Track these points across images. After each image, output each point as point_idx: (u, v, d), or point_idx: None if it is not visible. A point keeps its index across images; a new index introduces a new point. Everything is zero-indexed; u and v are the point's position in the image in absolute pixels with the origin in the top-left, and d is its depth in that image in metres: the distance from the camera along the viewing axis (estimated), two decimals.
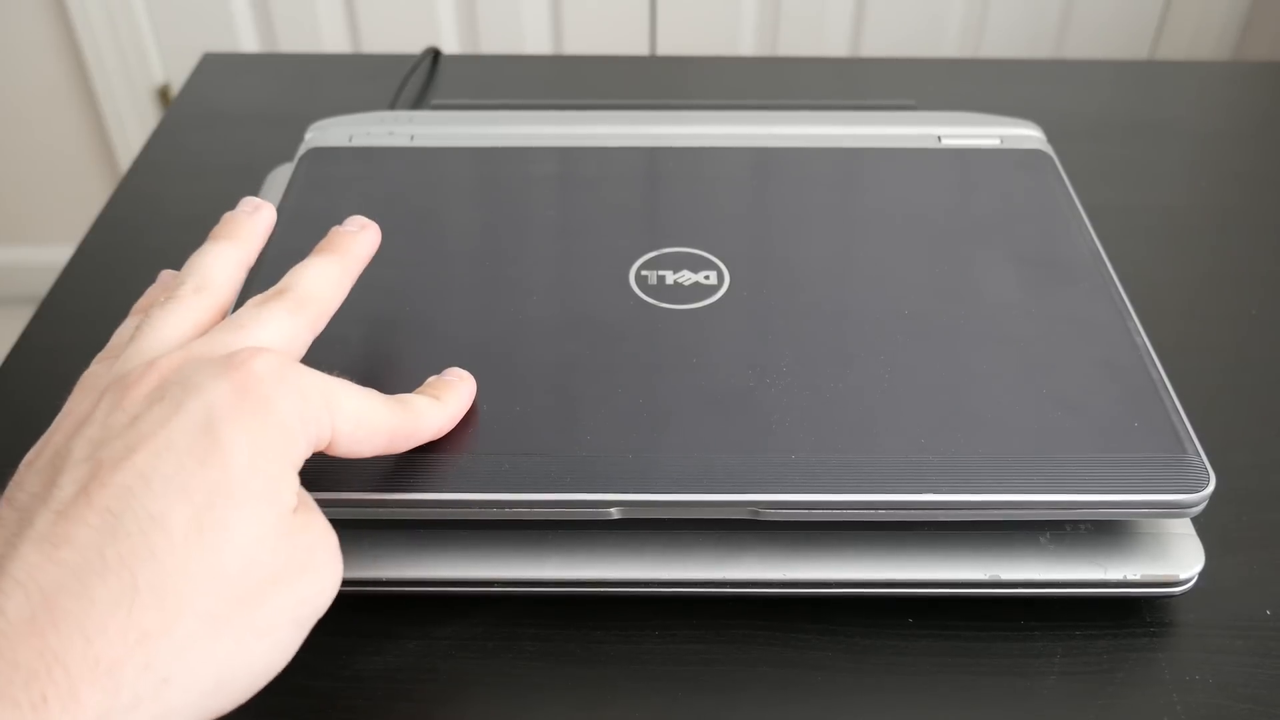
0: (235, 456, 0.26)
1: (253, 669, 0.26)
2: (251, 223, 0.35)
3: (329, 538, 0.28)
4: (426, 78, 0.67)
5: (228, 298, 0.32)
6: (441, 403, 0.33)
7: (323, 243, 0.34)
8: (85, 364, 0.47)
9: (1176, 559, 0.34)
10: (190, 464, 0.25)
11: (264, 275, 0.39)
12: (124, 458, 0.25)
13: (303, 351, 0.31)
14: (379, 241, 0.35)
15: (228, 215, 0.35)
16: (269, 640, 0.26)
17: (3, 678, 0.22)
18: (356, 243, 0.34)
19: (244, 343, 0.29)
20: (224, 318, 0.31)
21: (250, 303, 0.31)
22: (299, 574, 0.27)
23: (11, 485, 0.26)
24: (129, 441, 0.25)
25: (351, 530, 0.34)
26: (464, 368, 0.35)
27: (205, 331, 0.30)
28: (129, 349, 0.29)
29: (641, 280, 0.40)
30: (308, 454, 0.28)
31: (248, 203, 0.35)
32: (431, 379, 0.34)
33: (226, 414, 0.26)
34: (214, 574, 0.25)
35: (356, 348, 0.37)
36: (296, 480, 0.27)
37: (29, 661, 0.22)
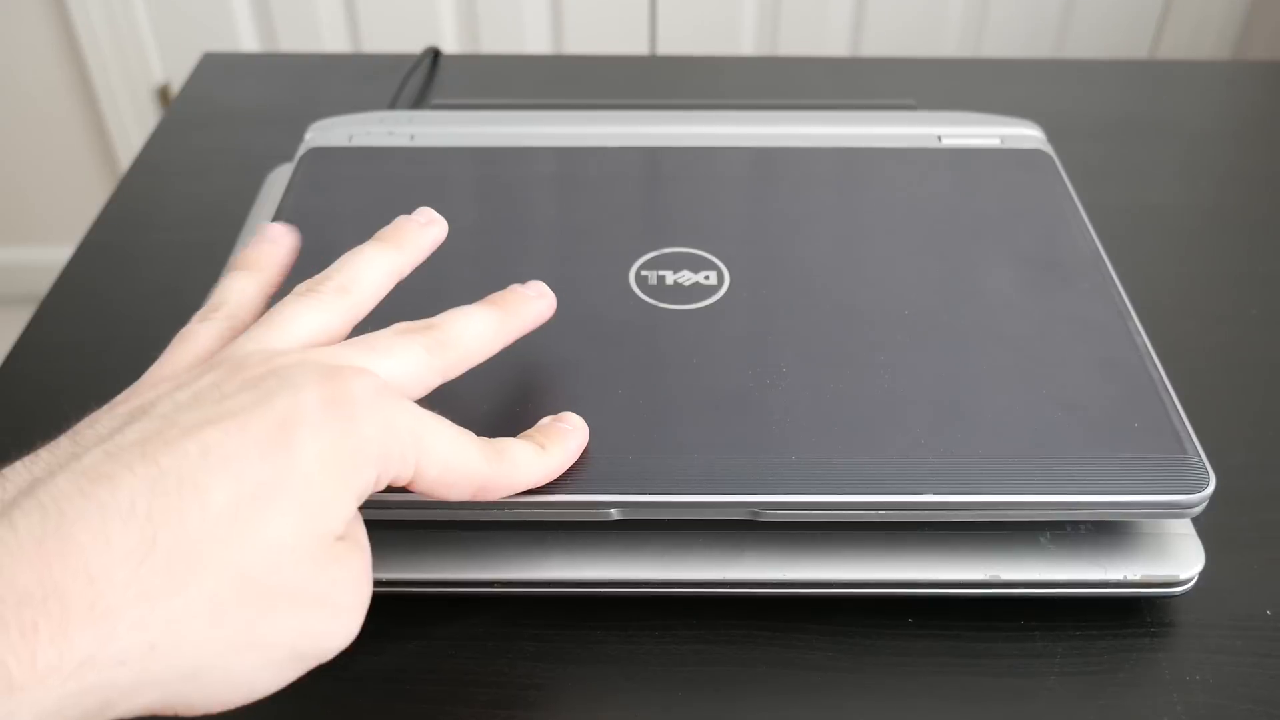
0: (298, 461, 0.25)
1: (232, 677, 0.25)
2: (420, 234, 0.34)
3: (360, 583, 0.27)
4: (426, 78, 0.67)
5: (368, 305, 0.32)
6: (545, 454, 0.32)
7: (497, 295, 0.33)
8: (85, 364, 0.47)
9: (1177, 559, 0.34)
10: (253, 452, 0.25)
11: None
12: (195, 427, 0.25)
13: (423, 393, 0.30)
14: (551, 314, 0.34)
15: (400, 220, 0.34)
16: (259, 656, 0.25)
17: None
18: (527, 308, 0.33)
19: (367, 364, 0.29)
20: (357, 322, 0.31)
21: (394, 327, 0.31)
22: (314, 604, 0.26)
23: (86, 420, 0.26)
24: (208, 414, 0.25)
25: None
26: None
27: (334, 336, 0.30)
28: (253, 334, 0.29)
29: (642, 280, 0.40)
30: (377, 487, 0.27)
31: (423, 213, 0.34)
32: (544, 421, 0.33)
33: (307, 418, 0.26)
34: (231, 562, 0.24)
35: None
36: (353, 509, 0.27)
37: (27, 583, 0.22)
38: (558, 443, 0.32)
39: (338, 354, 0.29)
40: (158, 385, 0.28)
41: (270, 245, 0.34)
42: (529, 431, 0.33)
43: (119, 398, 0.28)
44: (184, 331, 0.30)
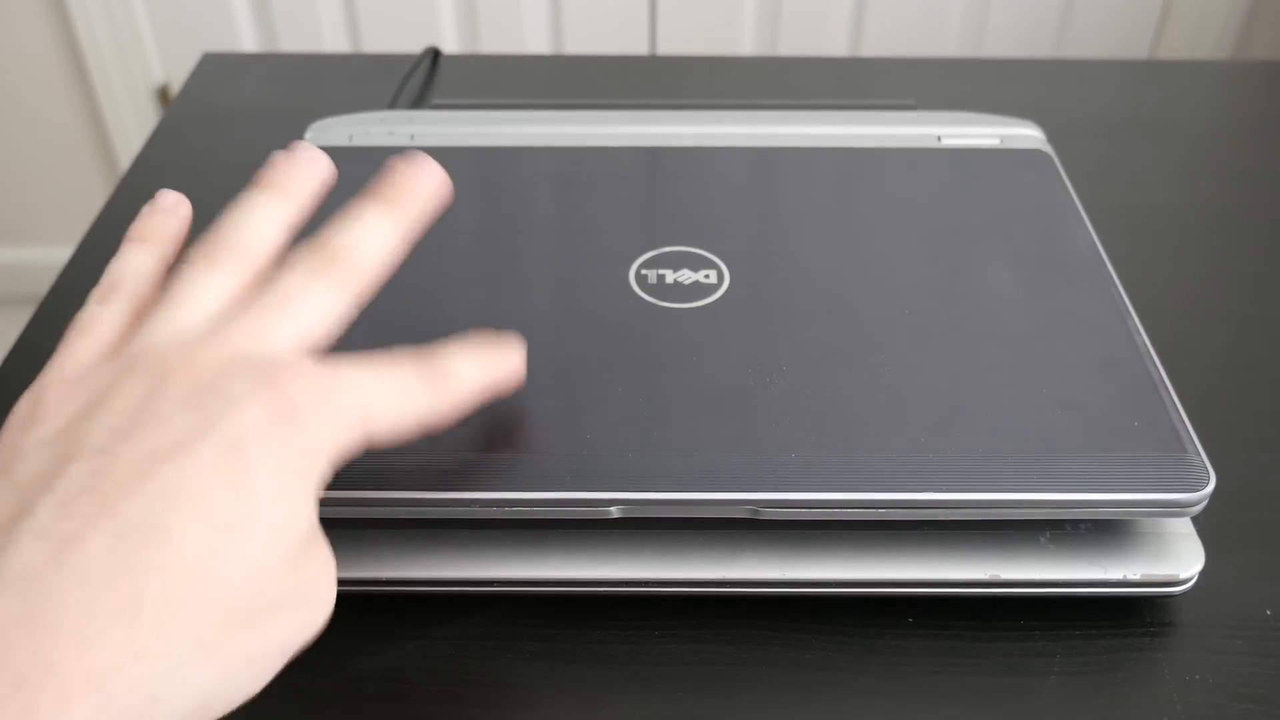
0: (260, 482, 0.25)
1: (235, 693, 0.25)
2: (304, 176, 0.31)
3: (330, 569, 0.27)
4: (426, 78, 0.67)
5: (269, 260, 0.30)
6: (485, 361, 0.31)
7: (380, 187, 0.31)
8: None
9: (1177, 559, 0.34)
10: (214, 483, 0.24)
11: None
12: (147, 464, 0.24)
13: (341, 327, 0.29)
14: (446, 193, 0.32)
15: (280, 161, 0.31)
16: (256, 667, 0.25)
17: None
18: (417, 193, 0.31)
19: (284, 328, 0.28)
20: (260, 279, 0.29)
21: (294, 266, 0.29)
22: (298, 605, 0.26)
23: (7, 448, 0.25)
24: (154, 446, 0.24)
25: (352, 530, 0.34)
26: None
27: (240, 299, 0.29)
28: (159, 316, 0.28)
29: (641, 279, 0.40)
30: (334, 470, 0.27)
31: (302, 149, 0.32)
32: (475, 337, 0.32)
33: (257, 437, 0.25)
34: (218, 598, 0.24)
35: (356, 348, 0.37)
36: (314, 506, 0.27)
37: (19, 665, 0.21)
38: (494, 348, 0.31)
39: (253, 328, 0.27)
40: (72, 392, 0.26)
41: (164, 216, 0.32)
42: (465, 342, 0.31)
43: (24, 411, 0.26)
44: (81, 318, 0.29)
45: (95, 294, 0.29)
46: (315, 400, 0.26)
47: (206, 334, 0.27)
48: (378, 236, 0.30)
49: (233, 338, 0.27)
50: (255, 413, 0.25)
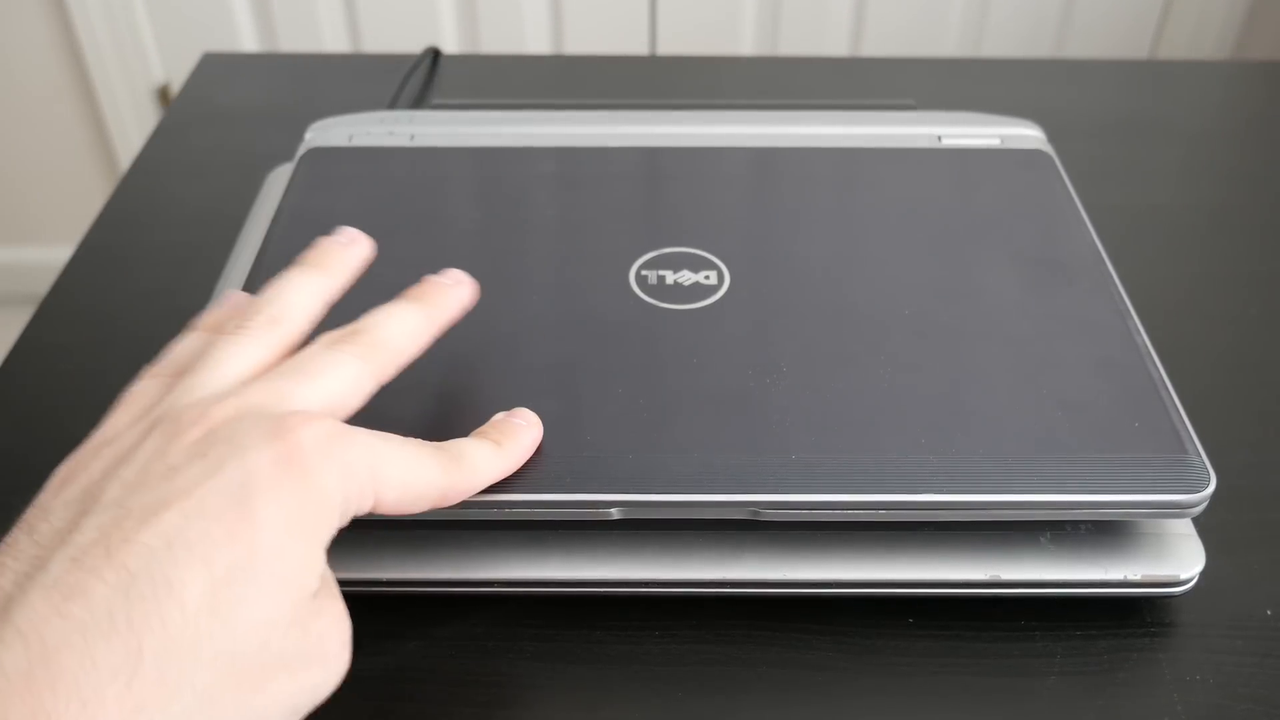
0: (264, 532, 0.25)
1: None
2: (344, 255, 0.33)
3: (342, 626, 0.27)
4: (426, 78, 0.67)
5: (302, 332, 0.31)
6: (501, 451, 0.31)
7: (413, 289, 0.33)
8: (85, 364, 0.47)
9: (1177, 559, 0.34)
10: (217, 533, 0.24)
11: (262, 277, 0.39)
12: (152, 514, 0.24)
13: (363, 401, 0.30)
14: (473, 300, 0.34)
15: (321, 241, 0.33)
16: None
17: None
18: (446, 297, 0.33)
19: (304, 393, 0.28)
20: (294, 351, 0.30)
21: (320, 341, 0.30)
22: (306, 663, 0.26)
23: (37, 508, 0.25)
24: (161, 496, 0.24)
25: (352, 530, 0.34)
26: (464, 367, 0.35)
27: (270, 367, 0.29)
28: (188, 381, 0.28)
29: (641, 280, 0.40)
30: (342, 525, 0.27)
31: (344, 233, 0.34)
32: (498, 417, 0.33)
33: (264, 485, 0.25)
34: (220, 652, 0.24)
35: None
36: (324, 560, 0.26)
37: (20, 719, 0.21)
38: (512, 438, 0.32)
39: (273, 390, 0.28)
40: (100, 453, 0.26)
41: (233, 312, 0.32)
42: (483, 428, 0.32)
43: (59, 475, 0.27)
44: (128, 391, 0.29)
45: (146, 370, 0.30)
46: (325, 449, 0.26)
47: (228, 393, 0.28)
48: (406, 324, 0.31)
49: (252, 396, 0.28)
50: (262, 459, 0.25)
